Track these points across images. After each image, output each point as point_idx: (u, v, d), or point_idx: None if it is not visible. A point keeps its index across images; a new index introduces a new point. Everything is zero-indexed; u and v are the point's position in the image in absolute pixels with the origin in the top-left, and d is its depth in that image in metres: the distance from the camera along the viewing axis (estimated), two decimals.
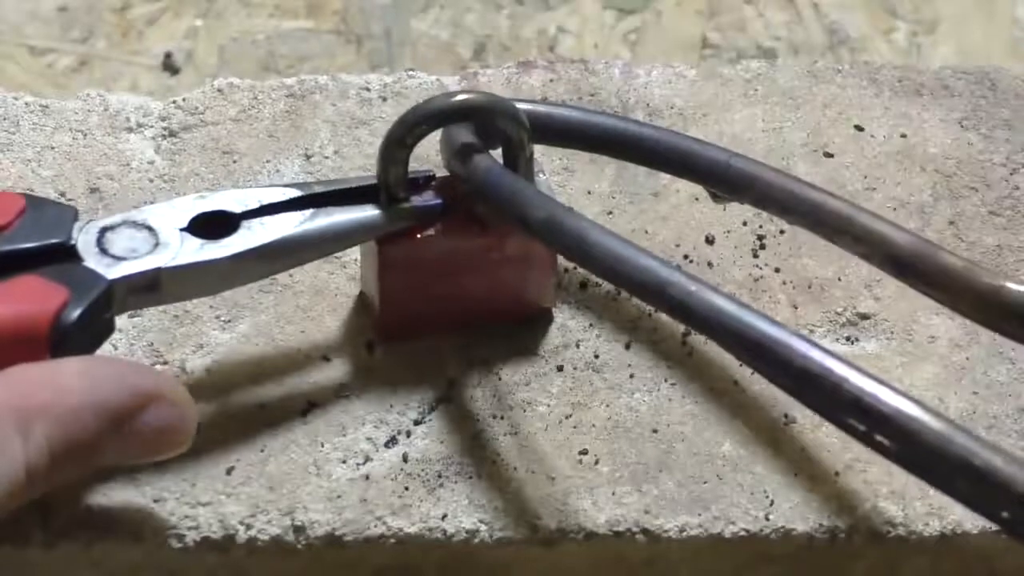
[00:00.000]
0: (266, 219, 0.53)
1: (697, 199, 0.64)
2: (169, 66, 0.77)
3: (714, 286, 0.48)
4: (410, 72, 0.68)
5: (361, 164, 0.64)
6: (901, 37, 0.91)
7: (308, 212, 0.54)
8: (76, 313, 0.48)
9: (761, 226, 0.63)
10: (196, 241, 0.52)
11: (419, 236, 0.55)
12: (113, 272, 0.51)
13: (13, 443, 0.44)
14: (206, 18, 0.77)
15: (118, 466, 0.51)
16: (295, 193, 0.54)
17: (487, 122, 0.55)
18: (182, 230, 0.53)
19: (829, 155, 0.66)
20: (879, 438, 0.45)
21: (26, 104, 0.65)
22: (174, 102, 0.66)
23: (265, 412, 0.56)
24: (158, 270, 0.51)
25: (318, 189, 0.55)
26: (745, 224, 0.63)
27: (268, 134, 0.65)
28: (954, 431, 0.44)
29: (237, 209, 0.53)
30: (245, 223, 0.53)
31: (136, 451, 0.49)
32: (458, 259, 0.56)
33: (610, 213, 0.63)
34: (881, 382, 0.45)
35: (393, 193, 0.55)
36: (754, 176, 0.56)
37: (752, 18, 0.89)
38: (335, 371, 0.58)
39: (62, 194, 0.62)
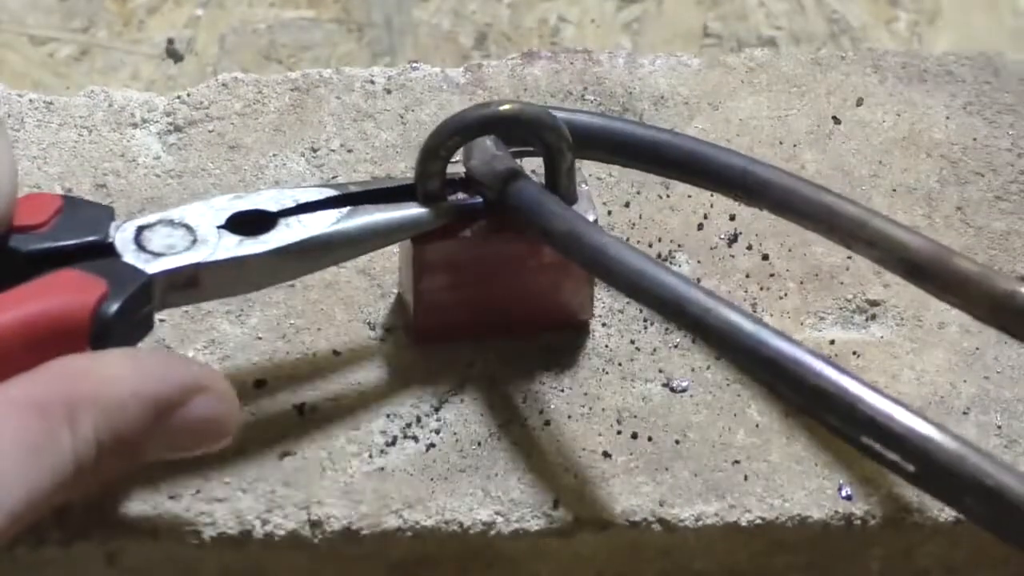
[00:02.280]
0: (304, 217, 0.53)
1: None
2: (172, 52, 0.77)
3: (732, 303, 0.49)
4: (414, 64, 0.68)
5: (368, 157, 0.64)
6: (902, 27, 0.91)
7: (345, 210, 0.54)
8: (116, 305, 0.48)
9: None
10: (234, 238, 0.52)
11: (457, 237, 0.55)
12: (152, 267, 0.50)
13: (62, 434, 0.44)
14: (207, 7, 0.77)
15: (162, 460, 0.50)
16: (331, 192, 0.54)
17: (526, 134, 0.55)
18: (219, 228, 0.52)
19: (837, 120, 0.66)
20: (893, 457, 0.45)
21: (30, 101, 0.65)
22: (179, 97, 0.66)
23: (277, 406, 0.56)
24: (197, 265, 0.51)
25: (354, 189, 0.55)
26: (754, 212, 0.63)
27: (274, 128, 0.65)
28: (967, 451, 0.44)
29: (274, 208, 0.53)
30: (283, 221, 0.53)
31: (181, 444, 0.48)
32: (495, 262, 0.56)
33: (626, 205, 0.63)
34: (896, 401, 0.45)
35: (431, 194, 0.55)
36: (769, 182, 0.55)
37: (753, 7, 0.88)
38: (347, 365, 0.57)
39: (68, 190, 0.62)
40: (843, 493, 0.55)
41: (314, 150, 0.64)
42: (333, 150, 0.64)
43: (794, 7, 0.89)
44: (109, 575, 0.54)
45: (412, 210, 0.54)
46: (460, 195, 0.55)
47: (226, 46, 0.79)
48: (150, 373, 0.47)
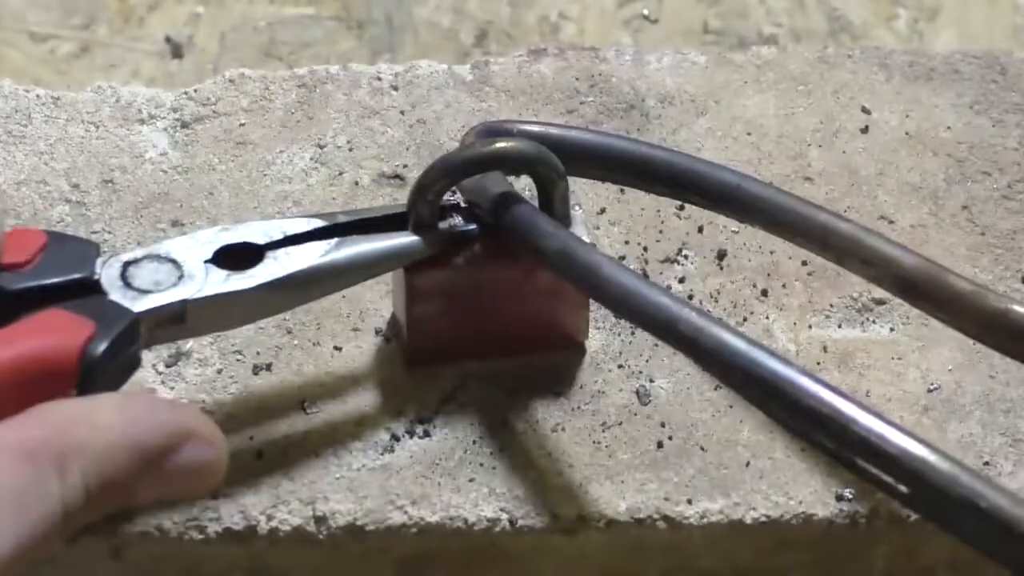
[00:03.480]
0: (291, 249, 0.53)
1: None
2: (173, 48, 0.77)
3: (725, 323, 0.49)
4: (417, 62, 0.68)
5: (375, 154, 0.64)
6: (903, 24, 0.91)
7: (333, 241, 0.53)
8: (103, 346, 0.47)
9: None
10: (221, 272, 0.52)
11: (449, 264, 0.55)
12: (139, 305, 0.50)
13: (51, 482, 0.43)
14: (207, 4, 0.77)
15: (151, 502, 0.50)
16: (319, 223, 0.54)
17: (515, 170, 0.55)
18: (206, 262, 0.52)
19: (866, 111, 0.67)
20: (886, 479, 0.45)
21: (37, 97, 0.65)
22: (185, 93, 0.66)
23: (282, 403, 0.56)
24: (184, 302, 0.51)
25: (342, 219, 0.54)
26: None
27: (281, 124, 0.65)
28: (961, 472, 0.44)
29: (261, 240, 0.53)
30: (270, 254, 0.52)
31: (170, 488, 0.48)
32: (489, 288, 0.56)
33: (625, 196, 0.63)
34: (889, 423, 0.45)
35: (422, 223, 0.54)
36: (763, 199, 0.55)
37: (754, 5, 0.88)
38: (351, 361, 0.58)
39: (76, 186, 0.62)
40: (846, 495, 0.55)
41: (321, 146, 0.64)
42: (339, 147, 0.64)
43: (794, 4, 0.89)
44: (115, 570, 0.55)
45: (403, 239, 0.54)
46: (453, 219, 0.55)
47: (226, 43, 0.79)
48: (140, 420, 0.46)
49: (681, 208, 0.63)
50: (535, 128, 0.58)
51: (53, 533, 0.44)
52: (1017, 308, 0.50)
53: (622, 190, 0.63)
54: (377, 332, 0.58)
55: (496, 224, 0.54)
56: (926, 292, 0.52)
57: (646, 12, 0.87)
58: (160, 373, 0.57)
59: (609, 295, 0.50)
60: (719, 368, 0.48)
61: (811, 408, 0.46)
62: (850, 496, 0.55)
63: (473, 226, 0.55)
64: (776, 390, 0.46)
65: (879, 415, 0.45)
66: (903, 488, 0.45)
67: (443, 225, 0.55)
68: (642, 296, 0.49)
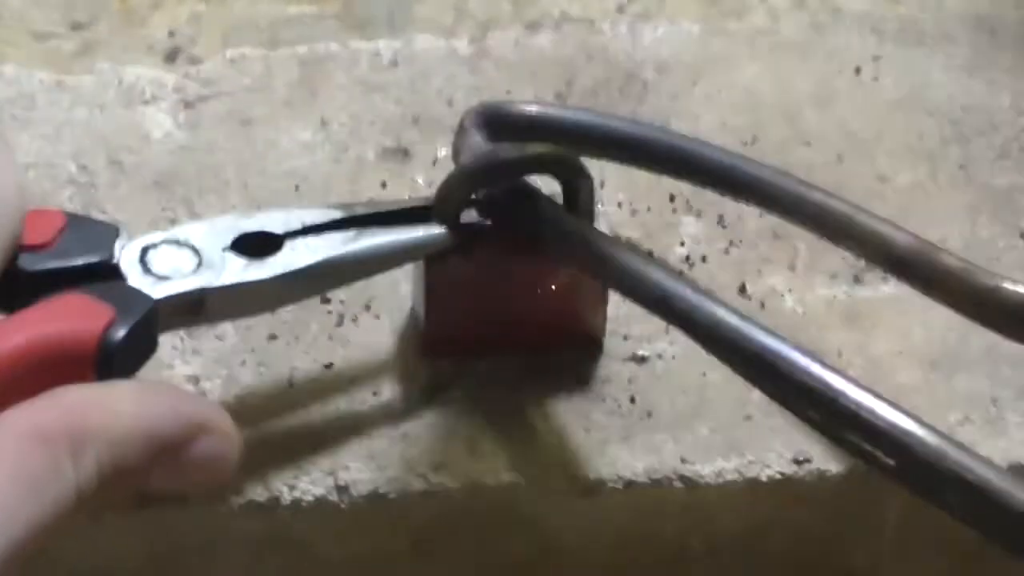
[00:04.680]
0: (310, 239, 0.53)
1: None
2: (175, 47, 0.77)
3: (717, 297, 0.50)
4: (414, 36, 0.69)
5: (379, 129, 0.64)
6: None
7: (352, 232, 0.53)
8: (122, 332, 0.47)
9: None
10: (240, 260, 0.52)
11: (467, 257, 0.55)
12: (158, 291, 0.50)
13: (66, 467, 0.43)
14: (209, 3, 0.77)
15: (162, 492, 0.50)
16: (338, 214, 0.54)
17: (537, 172, 0.55)
18: (225, 250, 0.52)
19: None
20: (874, 452, 0.45)
21: (41, 81, 0.65)
22: (187, 74, 0.66)
23: (300, 374, 0.57)
24: (203, 290, 0.51)
25: (361, 211, 0.54)
26: None
27: (284, 102, 0.65)
28: (948, 446, 0.45)
29: (280, 230, 0.53)
30: (289, 243, 0.52)
31: (182, 479, 0.48)
32: (508, 282, 0.56)
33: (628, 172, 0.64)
34: (878, 396, 0.46)
35: (445, 218, 0.54)
36: (756, 178, 0.56)
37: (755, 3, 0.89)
38: (367, 331, 0.58)
39: (84, 168, 0.62)
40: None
41: (324, 123, 0.65)
42: (342, 123, 0.65)
43: None
44: (136, 543, 0.55)
45: (422, 232, 0.54)
46: (469, 213, 0.55)
47: (228, 42, 0.79)
48: (157, 409, 0.46)
49: None
50: (531, 108, 0.58)
51: (66, 516, 0.44)
52: (1007, 285, 0.51)
53: None
54: (367, 308, 0.59)
55: (517, 223, 0.54)
56: (917, 270, 0.52)
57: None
58: (175, 348, 0.57)
59: (607, 271, 0.51)
60: (711, 343, 0.49)
61: (800, 382, 0.46)
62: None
63: (490, 221, 0.55)
64: (766, 364, 0.47)
65: (868, 389, 0.46)
66: (891, 461, 0.45)
67: (462, 217, 0.55)
68: (636, 271, 0.50)
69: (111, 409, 0.45)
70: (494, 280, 0.56)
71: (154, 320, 0.50)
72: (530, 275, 0.56)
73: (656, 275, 0.50)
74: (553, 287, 0.56)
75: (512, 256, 0.55)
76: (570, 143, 0.57)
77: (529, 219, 0.54)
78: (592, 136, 0.58)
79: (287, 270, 0.52)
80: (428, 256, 0.55)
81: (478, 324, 0.57)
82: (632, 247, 0.51)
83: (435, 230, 0.54)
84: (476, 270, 0.56)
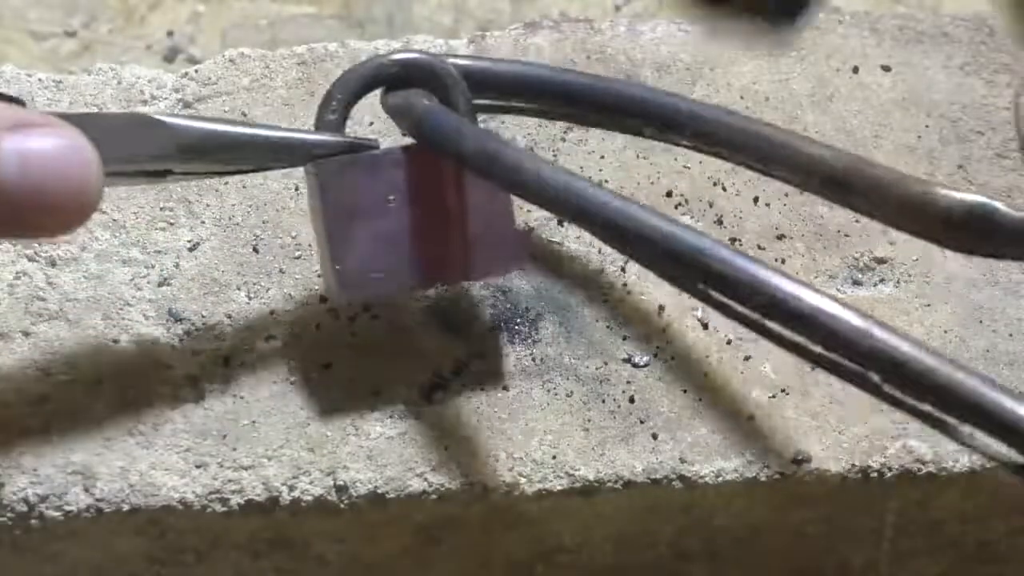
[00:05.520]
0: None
1: None
2: (174, 47, 0.77)
3: (638, 202, 0.49)
4: (413, 37, 0.69)
5: (377, 128, 0.64)
6: None
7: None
8: None
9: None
10: None
11: (356, 163, 0.54)
12: None
13: None
14: (208, 3, 0.77)
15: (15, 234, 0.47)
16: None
17: (410, 81, 0.56)
18: None
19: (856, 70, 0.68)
20: (800, 339, 0.45)
21: (40, 80, 0.65)
22: (186, 73, 0.66)
23: (299, 374, 0.57)
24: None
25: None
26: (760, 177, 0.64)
27: (283, 102, 0.65)
28: (873, 325, 0.45)
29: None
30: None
31: (25, 197, 0.44)
32: (407, 190, 0.55)
33: (640, 157, 0.64)
34: (802, 283, 0.46)
35: (327, 127, 0.56)
36: (695, 115, 0.56)
37: None
38: (366, 331, 0.58)
39: None
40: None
41: None
42: None
43: None
44: (138, 544, 0.55)
45: (310, 134, 0.55)
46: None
47: (228, 42, 0.79)
48: None
49: (680, 172, 0.64)
50: (465, 62, 0.58)
51: None
52: (940, 191, 0.49)
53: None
54: (365, 308, 0.59)
55: (418, 136, 0.54)
56: (852, 185, 0.51)
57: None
58: (174, 348, 0.57)
59: (528, 187, 0.50)
60: (636, 246, 0.48)
61: (725, 274, 0.46)
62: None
63: (375, 138, 0.56)
64: (694, 261, 0.47)
65: (791, 277, 0.46)
66: (817, 347, 0.45)
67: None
68: (558, 183, 0.50)
69: None
70: (391, 185, 0.55)
71: None
72: (437, 196, 0.55)
73: (577, 184, 0.49)
74: (462, 207, 0.55)
75: (416, 177, 0.55)
76: (506, 96, 0.57)
77: (409, 121, 0.54)
78: (530, 86, 0.59)
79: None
80: (320, 170, 0.54)
81: (382, 244, 0.55)
82: (548, 161, 0.51)
83: (322, 135, 0.55)
84: (368, 171, 0.55)
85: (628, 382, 0.57)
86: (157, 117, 0.51)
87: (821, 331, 0.45)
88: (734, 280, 0.46)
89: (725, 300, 0.47)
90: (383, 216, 0.55)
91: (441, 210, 0.55)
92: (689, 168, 0.64)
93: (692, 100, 0.57)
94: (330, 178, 0.54)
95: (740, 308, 0.47)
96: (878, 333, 0.45)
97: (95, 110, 0.64)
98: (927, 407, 0.44)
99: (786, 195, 0.63)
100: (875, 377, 0.45)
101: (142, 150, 0.51)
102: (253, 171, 0.55)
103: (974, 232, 0.48)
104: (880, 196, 0.51)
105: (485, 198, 0.55)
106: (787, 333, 0.46)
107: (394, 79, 0.56)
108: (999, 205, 0.48)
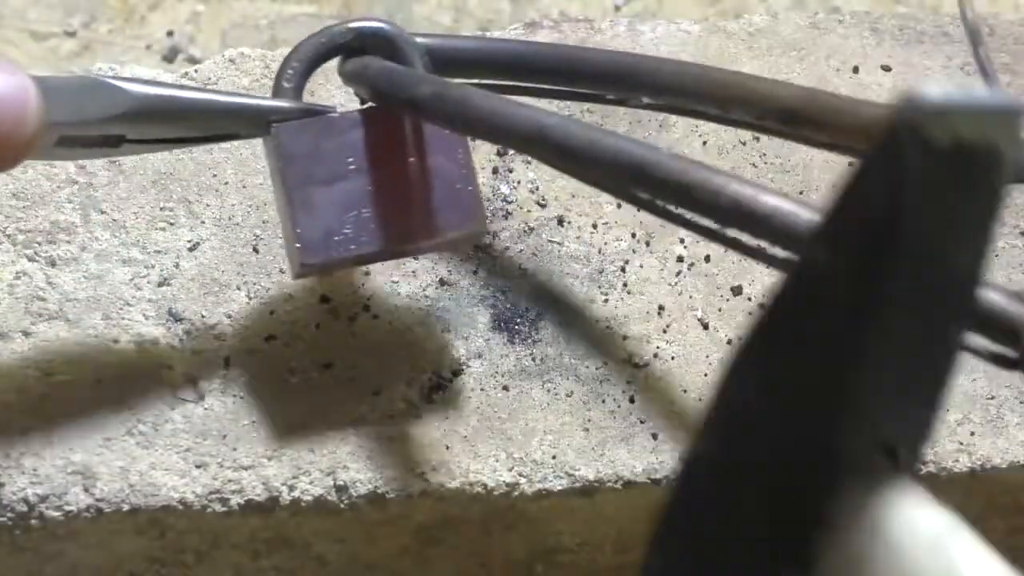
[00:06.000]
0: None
1: (705, 140, 0.64)
2: (174, 47, 0.77)
3: (593, 125, 0.49)
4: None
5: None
6: None
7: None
8: None
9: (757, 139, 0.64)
10: None
11: (316, 118, 0.55)
12: None
13: None
14: (208, 3, 0.77)
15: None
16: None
17: (365, 49, 0.56)
18: None
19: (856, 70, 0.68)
20: (760, 243, 0.44)
21: None
22: (186, 73, 0.66)
23: (299, 374, 0.57)
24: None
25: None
26: (763, 167, 0.64)
27: None
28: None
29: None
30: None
31: None
32: (373, 169, 0.55)
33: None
34: (759, 187, 0.44)
35: (284, 94, 0.56)
36: (648, 70, 0.55)
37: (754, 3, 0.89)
38: (366, 330, 0.58)
39: (83, 168, 0.62)
40: None
41: None
42: None
43: None
44: (139, 544, 0.55)
45: (267, 101, 0.55)
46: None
47: (227, 41, 0.79)
48: None
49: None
50: (420, 39, 0.58)
51: None
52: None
53: None
54: (365, 308, 0.59)
55: (373, 92, 0.55)
56: (807, 116, 0.51)
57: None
58: (174, 348, 0.57)
59: (481, 122, 0.50)
60: (594, 164, 0.48)
61: (680, 183, 0.45)
62: None
63: (333, 105, 0.56)
64: (646, 172, 0.46)
65: (746, 181, 0.45)
66: (778, 251, 0.44)
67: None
68: (511, 114, 0.49)
69: None
70: (350, 148, 0.55)
71: None
72: (393, 158, 0.55)
73: (529, 113, 0.49)
74: (419, 169, 0.55)
75: (373, 140, 0.55)
76: (454, 70, 0.57)
77: (365, 82, 0.55)
78: (482, 60, 0.58)
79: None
80: (278, 132, 0.54)
81: (346, 212, 0.54)
82: (499, 96, 0.51)
83: (279, 100, 0.55)
84: (326, 129, 0.55)
85: (628, 382, 0.57)
86: (107, 79, 0.52)
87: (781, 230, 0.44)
88: (687, 185, 0.45)
89: (683, 212, 0.46)
90: (343, 179, 0.55)
91: (400, 171, 0.55)
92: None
93: (648, 56, 0.57)
94: (288, 140, 0.54)
95: (698, 219, 0.46)
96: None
97: None
98: None
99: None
100: None
101: (92, 112, 0.52)
102: (211, 140, 0.56)
103: None
104: (836, 124, 0.50)
105: (444, 158, 0.55)
106: (746, 238, 0.45)
107: (350, 48, 0.57)
108: None
